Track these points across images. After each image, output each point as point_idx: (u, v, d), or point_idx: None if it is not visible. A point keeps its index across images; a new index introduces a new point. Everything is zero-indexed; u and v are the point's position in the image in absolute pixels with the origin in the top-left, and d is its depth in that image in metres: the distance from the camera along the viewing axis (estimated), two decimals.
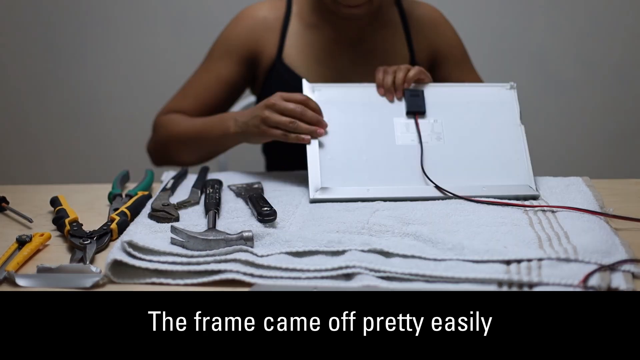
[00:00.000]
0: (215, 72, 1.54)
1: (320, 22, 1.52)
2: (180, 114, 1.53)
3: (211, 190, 1.24)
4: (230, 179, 1.34)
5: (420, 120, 1.29)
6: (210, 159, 1.50)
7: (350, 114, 1.30)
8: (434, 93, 1.32)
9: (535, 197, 1.22)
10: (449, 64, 1.56)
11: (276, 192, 1.27)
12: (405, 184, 1.23)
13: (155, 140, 1.55)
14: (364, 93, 1.33)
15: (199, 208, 1.20)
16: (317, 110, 1.28)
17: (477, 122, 1.30)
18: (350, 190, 1.22)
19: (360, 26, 1.52)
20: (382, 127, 1.29)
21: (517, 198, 1.21)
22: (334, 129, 1.28)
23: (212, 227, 1.07)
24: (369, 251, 0.97)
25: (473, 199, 1.19)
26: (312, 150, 1.25)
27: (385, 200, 1.21)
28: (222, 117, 1.43)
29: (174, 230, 1.02)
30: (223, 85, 1.54)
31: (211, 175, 1.37)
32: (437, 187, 1.22)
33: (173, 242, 1.01)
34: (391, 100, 1.31)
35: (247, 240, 1.00)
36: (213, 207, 1.15)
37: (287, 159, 1.42)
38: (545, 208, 1.15)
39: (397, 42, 1.52)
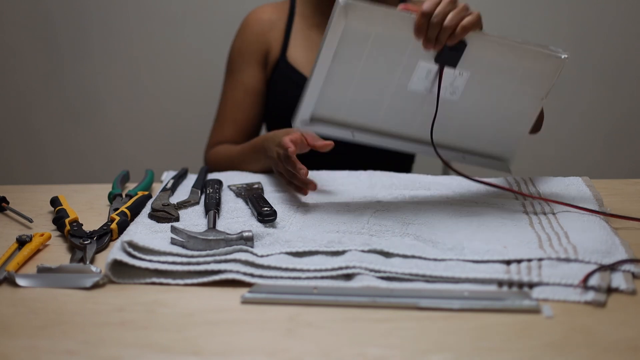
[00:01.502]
0: (241, 86, 1.60)
1: (323, 22, 1.53)
2: (224, 144, 1.58)
3: (211, 190, 1.24)
4: (230, 179, 1.35)
5: (445, 69, 1.16)
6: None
7: (376, 48, 1.14)
8: (478, 45, 1.14)
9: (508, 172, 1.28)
10: None
11: (276, 192, 1.27)
12: (396, 136, 1.23)
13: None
14: (402, 23, 1.11)
15: (199, 208, 1.20)
16: (302, 179, 1.20)
17: (502, 89, 1.20)
18: (336, 130, 1.20)
19: None
20: (403, 67, 1.16)
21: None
22: (354, 62, 1.14)
23: (212, 227, 1.07)
24: (369, 251, 0.97)
25: (465, 176, 1.22)
26: (317, 77, 1.14)
27: (366, 146, 1.23)
28: (255, 145, 1.41)
29: (174, 230, 1.02)
30: (252, 95, 1.60)
31: (211, 175, 1.37)
32: (436, 152, 1.20)
33: (173, 242, 1.01)
34: (427, 50, 1.13)
35: (247, 240, 1.00)
36: (213, 207, 1.15)
37: None
38: (546, 209, 1.15)
39: None
